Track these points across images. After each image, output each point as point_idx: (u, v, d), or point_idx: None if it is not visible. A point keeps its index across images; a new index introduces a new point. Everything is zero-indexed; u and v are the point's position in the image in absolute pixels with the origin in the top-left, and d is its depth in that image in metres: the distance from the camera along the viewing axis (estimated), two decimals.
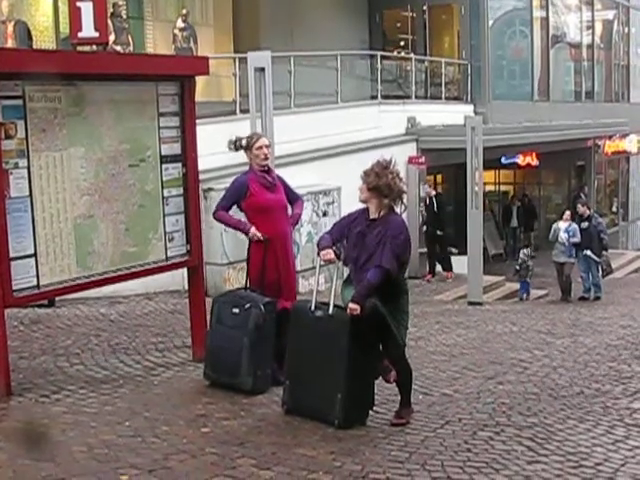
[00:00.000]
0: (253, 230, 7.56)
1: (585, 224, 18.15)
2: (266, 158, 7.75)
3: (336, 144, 18.09)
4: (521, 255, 19.87)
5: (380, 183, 6.54)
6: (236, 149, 7.77)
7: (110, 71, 7.50)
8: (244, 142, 7.74)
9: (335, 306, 6.69)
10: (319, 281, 7.17)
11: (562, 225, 18.41)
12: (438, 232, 19.98)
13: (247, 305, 7.38)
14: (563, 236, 18.13)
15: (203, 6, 22.70)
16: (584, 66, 32.35)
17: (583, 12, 32.41)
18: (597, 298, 17.88)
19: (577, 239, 18.06)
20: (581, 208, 18.82)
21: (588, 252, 18.02)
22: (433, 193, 20.35)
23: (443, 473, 5.77)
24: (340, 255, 6.73)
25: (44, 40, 17.71)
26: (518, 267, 19.49)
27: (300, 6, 22.86)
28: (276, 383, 7.36)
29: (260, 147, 7.72)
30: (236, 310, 7.42)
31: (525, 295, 19.45)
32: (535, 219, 29.21)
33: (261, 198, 7.66)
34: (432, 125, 22.44)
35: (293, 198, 8.02)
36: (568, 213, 18.97)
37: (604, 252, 18.29)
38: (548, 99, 29.07)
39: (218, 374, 7.56)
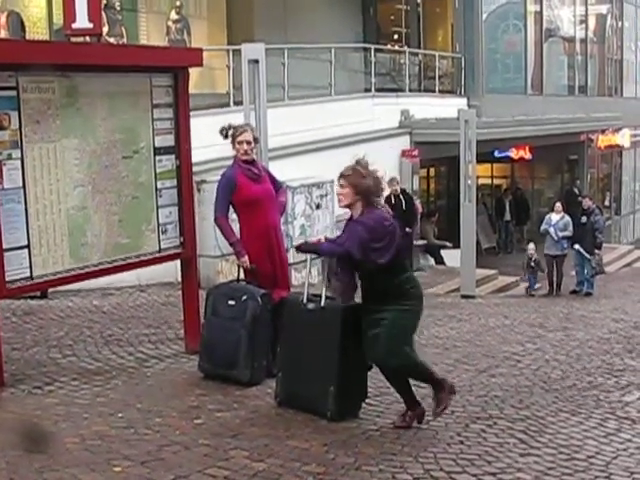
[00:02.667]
0: (244, 259, 7.53)
1: (584, 219, 18.18)
2: (245, 153, 7.66)
3: (330, 137, 18.08)
4: (530, 250, 19.07)
5: (368, 184, 6.33)
6: (226, 137, 7.73)
7: (104, 62, 7.49)
8: (230, 132, 7.71)
9: (327, 298, 6.69)
10: (311, 274, 7.16)
11: (554, 217, 18.41)
12: (407, 229, 17.73)
13: (243, 297, 7.37)
14: (551, 231, 18.16)
15: None
16: (577, 60, 32.38)
17: (577, 6, 32.43)
18: (588, 294, 17.87)
19: (568, 232, 18.06)
20: (588, 202, 18.82)
21: (577, 246, 18.03)
22: (398, 190, 18.72)
23: (436, 465, 5.78)
24: None
25: (37, 31, 17.64)
26: (533, 263, 18.71)
27: None
28: (269, 375, 7.36)
29: (241, 142, 7.63)
30: (232, 302, 7.41)
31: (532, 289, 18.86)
32: (528, 212, 29.21)
33: (249, 191, 7.60)
34: (426, 118, 22.44)
35: (277, 187, 7.98)
36: (559, 205, 18.98)
37: (596, 251, 18.26)
38: (541, 93, 29.12)
39: (214, 366, 7.55)
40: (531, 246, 19.03)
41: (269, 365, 7.45)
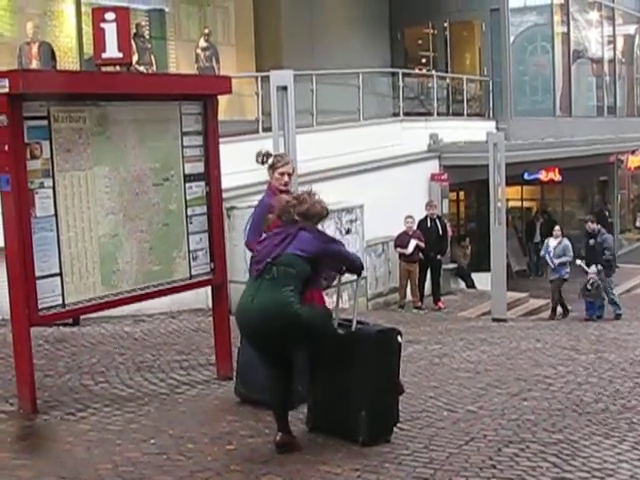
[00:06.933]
0: None
1: (592, 241, 18.18)
2: (285, 185, 7.72)
3: (359, 162, 18.13)
4: (591, 274, 18.12)
5: None
6: (262, 162, 7.77)
7: (134, 91, 7.57)
8: (270, 160, 7.74)
9: (358, 322, 6.70)
10: (341, 298, 7.16)
11: (551, 243, 18.35)
12: (439, 257, 18.65)
13: None
14: (547, 258, 18.13)
15: (225, 26, 22.85)
16: (606, 81, 32.25)
17: (604, 27, 32.33)
18: (618, 316, 17.65)
19: (567, 258, 18.00)
20: (591, 225, 18.73)
21: (578, 261, 18.03)
22: (435, 214, 18.91)
23: None
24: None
25: (68, 61, 17.86)
26: (590, 287, 17.88)
27: (321, 25, 22.97)
28: (303, 400, 7.34)
29: (283, 173, 7.68)
30: None
31: (596, 315, 17.88)
32: None
33: None
34: (454, 142, 22.43)
35: None
36: (557, 228, 18.97)
37: (599, 267, 18.13)
38: (570, 115, 29.00)
39: (249, 390, 7.56)
40: (592, 269, 18.26)
41: (303, 390, 7.44)
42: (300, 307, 6.09)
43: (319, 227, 6.52)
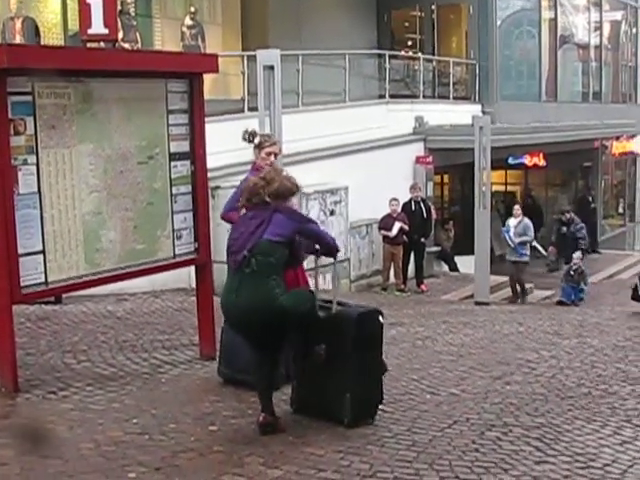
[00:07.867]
0: None
1: (564, 229, 18.42)
2: (271, 165, 7.70)
3: (344, 143, 18.07)
4: (575, 259, 18.60)
5: None
6: (248, 141, 7.73)
7: (119, 68, 7.50)
8: (257, 140, 7.69)
9: (338, 304, 6.68)
10: (322, 280, 7.13)
11: (512, 222, 18.39)
12: (422, 240, 18.57)
13: None
14: (506, 237, 18.19)
15: (211, 4, 22.70)
16: (592, 67, 32.28)
17: (591, 13, 32.34)
18: (560, 302, 17.75)
19: (527, 237, 18.09)
20: (567, 215, 19.01)
21: (534, 243, 18.26)
22: (419, 197, 18.80)
23: (451, 473, 5.76)
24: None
25: (52, 37, 17.72)
26: (572, 272, 18.26)
27: (308, 5, 22.85)
28: (287, 381, 7.33)
29: (269, 153, 7.66)
30: None
31: (577, 300, 18.13)
32: (541, 219, 28.99)
33: None
34: (440, 125, 22.41)
35: None
36: (517, 207, 19.05)
37: (576, 255, 18.54)
38: (556, 100, 29.03)
39: (233, 371, 7.54)
40: (577, 255, 18.59)
41: (287, 371, 7.42)
42: (284, 298, 6.10)
43: (296, 205, 6.43)
